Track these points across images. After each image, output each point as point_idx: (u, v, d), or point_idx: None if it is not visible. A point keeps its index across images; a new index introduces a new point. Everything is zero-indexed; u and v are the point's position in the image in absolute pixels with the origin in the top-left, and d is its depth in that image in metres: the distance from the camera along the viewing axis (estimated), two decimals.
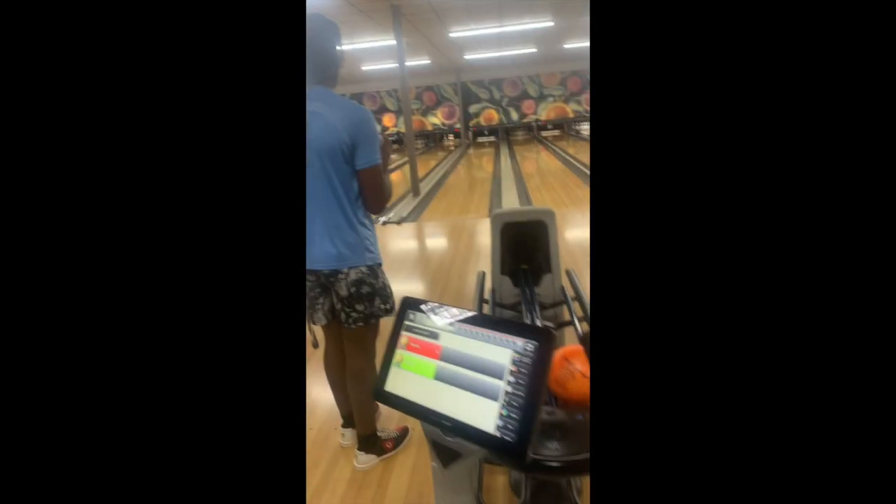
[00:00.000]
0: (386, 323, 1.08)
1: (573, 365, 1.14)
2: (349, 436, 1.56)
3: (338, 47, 1.22)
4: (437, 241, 4.16)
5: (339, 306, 1.32)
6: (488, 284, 2.06)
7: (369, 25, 6.32)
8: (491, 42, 8.38)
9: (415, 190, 6.14)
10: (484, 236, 3.40)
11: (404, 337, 0.76)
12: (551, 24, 7.17)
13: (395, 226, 4.63)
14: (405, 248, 3.98)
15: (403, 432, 1.56)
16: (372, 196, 1.25)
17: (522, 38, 8.27)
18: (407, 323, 0.76)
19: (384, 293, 1.33)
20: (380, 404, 1.68)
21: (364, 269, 1.28)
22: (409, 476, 1.43)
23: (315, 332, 1.45)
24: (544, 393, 0.63)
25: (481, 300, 1.90)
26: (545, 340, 0.64)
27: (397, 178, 7.91)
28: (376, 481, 1.42)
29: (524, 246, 2.00)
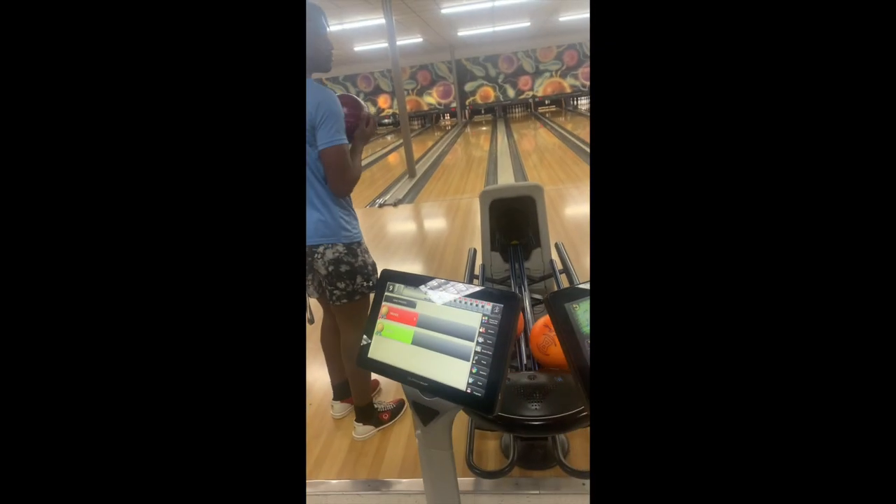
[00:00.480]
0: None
1: (553, 332, 1.19)
2: (338, 408, 1.64)
3: (321, 30, 1.22)
4: (433, 222, 4.19)
5: (322, 285, 1.37)
6: (479, 261, 2.11)
7: (359, 4, 6.22)
8: (484, 17, 8.22)
9: (410, 172, 6.14)
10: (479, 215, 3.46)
11: (384, 307, 0.81)
12: None
13: (391, 208, 4.66)
14: (402, 229, 4.02)
15: (399, 404, 1.62)
16: (334, 177, 1.22)
17: (516, 11, 8.12)
18: (387, 294, 0.81)
19: (365, 271, 1.36)
20: (379, 378, 1.75)
21: (341, 247, 1.30)
22: (405, 443, 1.50)
23: (310, 309, 1.51)
24: (510, 349, 0.68)
25: (471, 276, 1.95)
26: (510, 303, 0.68)
27: (393, 161, 7.90)
28: (374, 450, 1.49)
29: (513, 222, 2.04)
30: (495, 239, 2.08)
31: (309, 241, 1.29)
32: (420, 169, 6.61)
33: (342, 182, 1.24)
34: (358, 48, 10.09)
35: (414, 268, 3.05)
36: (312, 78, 1.25)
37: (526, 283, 1.82)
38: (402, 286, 0.79)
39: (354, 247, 1.33)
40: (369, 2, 6.07)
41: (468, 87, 13.34)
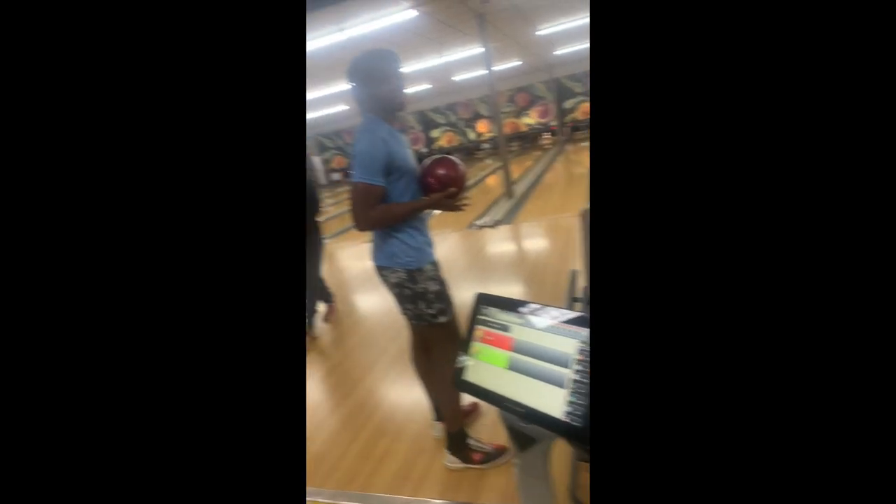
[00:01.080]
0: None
1: None
2: (439, 428, 1.66)
3: (394, 72, 1.29)
4: (533, 242, 4.14)
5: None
6: (581, 283, 2.02)
7: (457, 37, 6.52)
8: (580, 33, 8.07)
9: (508, 192, 6.15)
10: (580, 234, 3.33)
11: (479, 330, 0.82)
12: None
13: (490, 229, 4.71)
14: (500, 251, 4.03)
15: (498, 451, 1.52)
16: (353, 212, 1.28)
17: None
18: (481, 317, 0.83)
19: (426, 298, 1.38)
20: (477, 404, 1.75)
21: (402, 272, 1.36)
22: (510, 467, 1.48)
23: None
24: None
25: (572, 299, 1.88)
26: None
27: (491, 183, 7.99)
28: (475, 472, 1.49)
29: None
30: None
31: (378, 261, 1.39)
32: (519, 189, 6.60)
33: (357, 219, 1.29)
34: (457, 78, 10.52)
35: (513, 290, 3.03)
36: (375, 115, 1.31)
37: None
38: (497, 310, 0.80)
39: (415, 274, 1.36)
40: (467, 33, 6.34)
41: (567, 104, 13.09)
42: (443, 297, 1.43)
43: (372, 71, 1.29)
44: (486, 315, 0.82)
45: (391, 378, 2.21)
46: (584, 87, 12.79)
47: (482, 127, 14.23)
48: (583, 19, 6.88)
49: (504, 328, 0.78)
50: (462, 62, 8.43)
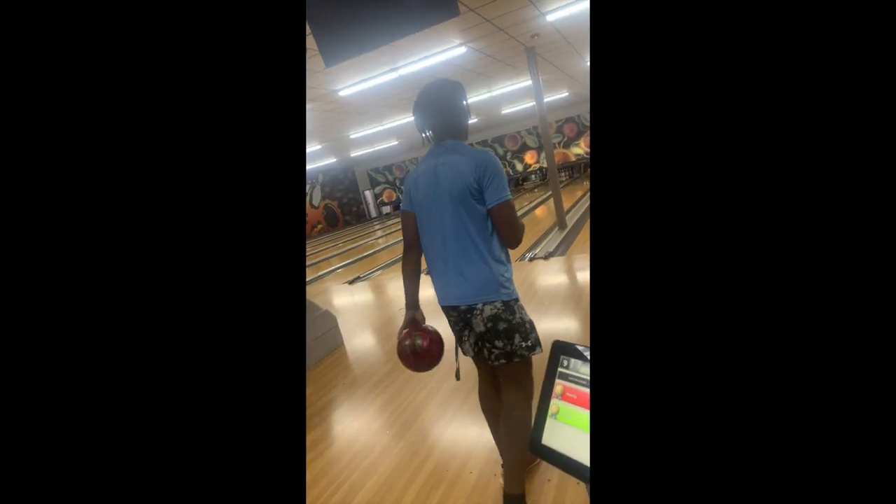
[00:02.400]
0: (539, 360, 1.04)
1: None
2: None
3: (463, 103, 1.33)
4: (588, 275, 3.95)
5: (480, 343, 1.34)
6: None
7: (507, 71, 6.60)
8: None
9: (561, 223, 5.99)
10: None
11: (559, 385, 0.72)
12: None
13: (542, 261, 4.56)
14: (554, 283, 3.86)
15: None
16: (506, 230, 1.28)
17: None
18: (561, 370, 0.72)
19: (523, 329, 1.31)
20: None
21: (499, 304, 1.28)
22: None
23: (459, 365, 1.47)
24: None
25: None
26: None
27: (541, 214, 7.85)
28: None
29: None
30: None
31: (469, 300, 1.29)
32: (570, 220, 6.42)
33: (514, 233, 1.28)
34: (505, 111, 10.63)
35: (572, 326, 2.86)
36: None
37: None
38: (579, 362, 0.70)
39: (512, 303, 1.30)
40: (516, 67, 6.40)
41: None
42: (533, 327, 1.36)
43: (452, 100, 1.31)
44: (566, 368, 0.72)
45: (448, 417, 2.10)
46: None
47: (529, 158, 14.22)
48: None
49: (589, 384, 0.67)
50: (509, 95, 8.51)
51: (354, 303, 4.73)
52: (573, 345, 0.72)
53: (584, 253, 4.59)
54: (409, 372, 2.82)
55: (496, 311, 1.28)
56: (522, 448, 1.34)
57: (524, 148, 14.25)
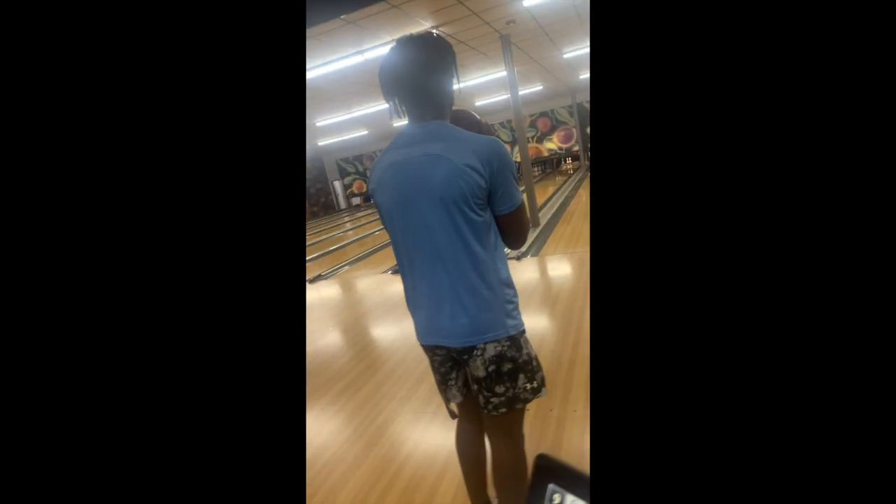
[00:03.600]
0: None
1: None
2: None
3: (451, 68, 0.95)
4: (562, 274, 3.78)
5: (475, 387, 1.03)
6: None
7: (479, 60, 6.35)
8: None
9: (534, 220, 5.83)
10: None
11: None
12: None
13: (514, 262, 4.36)
14: (530, 285, 3.67)
15: None
16: (515, 233, 1.01)
17: None
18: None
19: (529, 368, 1.02)
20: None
21: (505, 341, 0.98)
22: None
23: (454, 407, 1.18)
24: None
25: None
26: None
27: None
28: None
29: None
30: None
31: (467, 339, 0.97)
32: (543, 218, 6.26)
33: (521, 237, 1.03)
34: (479, 102, 10.40)
35: (550, 327, 2.65)
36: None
37: None
38: (579, 501, 0.42)
39: (518, 337, 1.00)
40: (490, 57, 6.16)
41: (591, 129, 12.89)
42: (539, 365, 1.06)
43: (438, 64, 0.92)
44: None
45: (423, 422, 1.86)
46: None
47: None
48: None
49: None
50: (483, 86, 8.27)
51: (322, 301, 4.40)
52: (567, 465, 0.43)
53: (557, 254, 4.42)
54: (378, 378, 2.53)
55: (501, 349, 0.97)
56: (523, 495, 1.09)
57: None
